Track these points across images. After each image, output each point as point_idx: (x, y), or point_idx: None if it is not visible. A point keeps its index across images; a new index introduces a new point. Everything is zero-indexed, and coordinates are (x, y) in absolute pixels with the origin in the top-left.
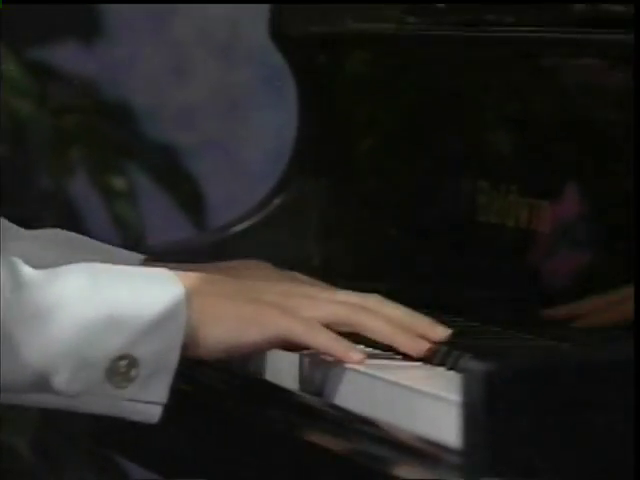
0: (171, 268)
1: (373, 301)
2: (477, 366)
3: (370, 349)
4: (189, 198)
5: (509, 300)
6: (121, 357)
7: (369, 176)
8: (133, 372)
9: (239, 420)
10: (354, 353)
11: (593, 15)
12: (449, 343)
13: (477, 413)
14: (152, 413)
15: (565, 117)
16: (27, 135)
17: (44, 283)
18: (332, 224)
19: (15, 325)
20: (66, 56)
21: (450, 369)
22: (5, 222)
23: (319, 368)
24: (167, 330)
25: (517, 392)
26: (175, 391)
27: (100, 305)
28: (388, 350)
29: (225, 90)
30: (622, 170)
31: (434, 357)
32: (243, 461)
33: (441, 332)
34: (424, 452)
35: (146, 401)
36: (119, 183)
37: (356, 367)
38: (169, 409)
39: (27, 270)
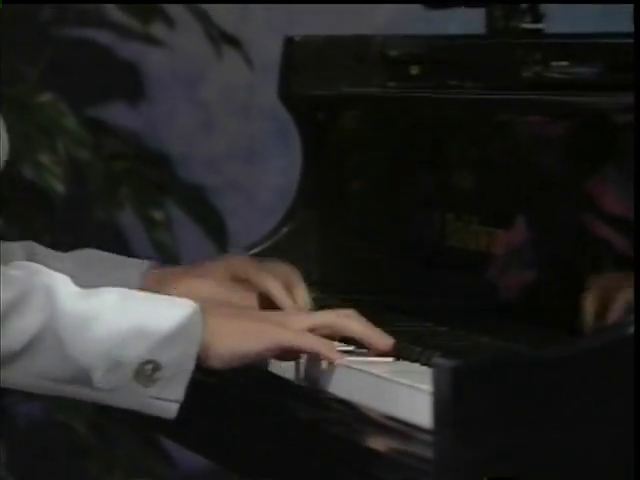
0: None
1: (348, 312)
2: (445, 362)
3: (362, 350)
4: (214, 228)
5: (470, 309)
6: (147, 362)
7: (358, 210)
8: (157, 374)
9: (254, 405)
10: (334, 352)
11: (539, 80)
12: (423, 344)
13: (445, 400)
14: (171, 410)
15: (516, 162)
16: (84, 177)
17: (86, 298)
18: (328, 248)
19: (64, 330)
20: (116, 113)
21: (423, 365)
22: (48, 250)
23: (317, 365)
24: (186, 341)
25: (478, 383)
26: (207, 383)
27: (131, 318)
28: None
29: (244, 141)
30: (562, 206)
31: (410, 355)
32: (260, 437)
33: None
34: (402, 432)
35: (166, 399)
36: (159, 215)
37: (347, 363)
38: (206, 397)
39: (74, 287)
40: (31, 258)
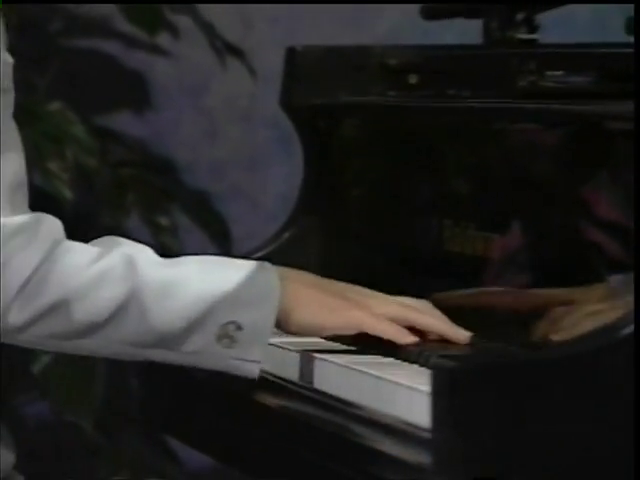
0: None
1: (422, 304)
2: (443, 364)
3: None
4: (218, 233)
5: (467, 311)
6: (229, 322)
7: (358, 215)
8: (238, 336)
9: (256, 404)
10: (408, 337)
11: (534, 89)
12: (421, 346)
13: (443, 401)
14: (253, 370)
15: (511, 169)
16: (92, 184)
17: (168, 266)
18: (329, 253)
19: (147, 298)
20: (123, 121)
21: (422, 366)
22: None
23: (319, 366)
24: (265, 303)
25: (475, 384)
26: (214, 385)
27: (212, 282)
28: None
29: (247, 148)
30: (556, 211)
31: (409, 357)
32: (261, 436)
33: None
34: (401, 431)
35: (247, 359)
36: (164, 221)
37: (350, 365)
38: (211, 397)
39: (154, 256)
40: None
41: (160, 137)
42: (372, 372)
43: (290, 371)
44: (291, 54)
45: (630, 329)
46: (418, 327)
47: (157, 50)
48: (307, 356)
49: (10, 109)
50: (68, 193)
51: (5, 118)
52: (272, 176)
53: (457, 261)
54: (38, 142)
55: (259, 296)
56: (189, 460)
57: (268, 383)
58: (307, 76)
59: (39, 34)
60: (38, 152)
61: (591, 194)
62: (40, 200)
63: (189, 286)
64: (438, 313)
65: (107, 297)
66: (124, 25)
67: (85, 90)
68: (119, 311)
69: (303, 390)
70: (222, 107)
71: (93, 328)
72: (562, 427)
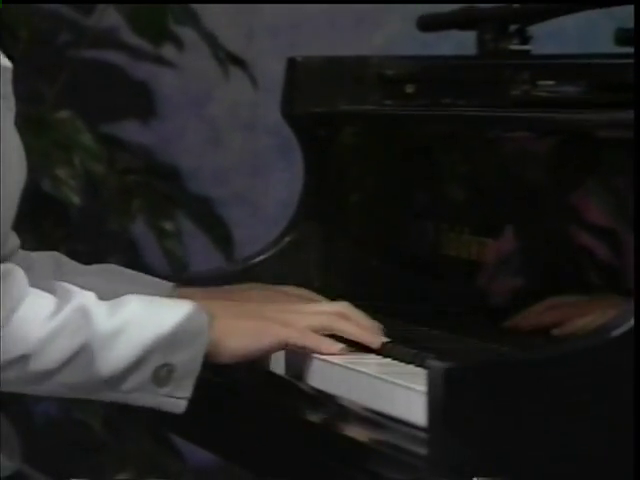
0: (198, 293)
1: (342, 307)
2: (439, 364)
3: (360, 353)
4: (221, 238)
5: (463, 313)
6: (163, 365)
7: (357, 221)
8: (172, 375)
9: (257, 403)
10: (334, 346)
11: (526, 98)
12: (418, 346)
13: (439, 400)
14: (181, 405)
15: (505, 176)
16: (99, 190)
17: (113, 314)
18: (329, 257)
19: (97, 346)
20: (129, 130)
21: (418, 366)
22: (72, 262)
23: (318, 366)
24: (195, 342)
25: (470, 384)
26: (215, 384)
27: (150, 327)
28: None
29: (249, 156)
30: (548, 217)
31: (406, 357)
32: (263, 435)
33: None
34: (398, 430)
35: (178, 397)
36: (169, 226)
37: (348, 365)
38: (215, 398)
39: (102, 304)
40: (58, 269)
41: (165, 145)
42: (369, 372)
43: (289, 371)
44: (292, 64)
45: (626, 328)
46: (338, 334)
47: (162, 61)
48: (304, 356)
49: (11, 114)
50: (76, 199)
51: (5, 124)
52: (273, 182)
53: (452, 264)
54: (47, 150)
55: (191, 338)
56: (193, 457)
57: (270, 382)
58: (307, 86)
59: (48, 46)
60: (47, 159)
61: (581, 200)
62: (48, 206)
63: (130, 333)
64: (357, 315)
65: (61, 349)
66: (130, 37)
67: (92, 100)
68: (70, 361)
69: (302, 389)
70: (225, 116)
71: (45, 377)
72: (558, 427)
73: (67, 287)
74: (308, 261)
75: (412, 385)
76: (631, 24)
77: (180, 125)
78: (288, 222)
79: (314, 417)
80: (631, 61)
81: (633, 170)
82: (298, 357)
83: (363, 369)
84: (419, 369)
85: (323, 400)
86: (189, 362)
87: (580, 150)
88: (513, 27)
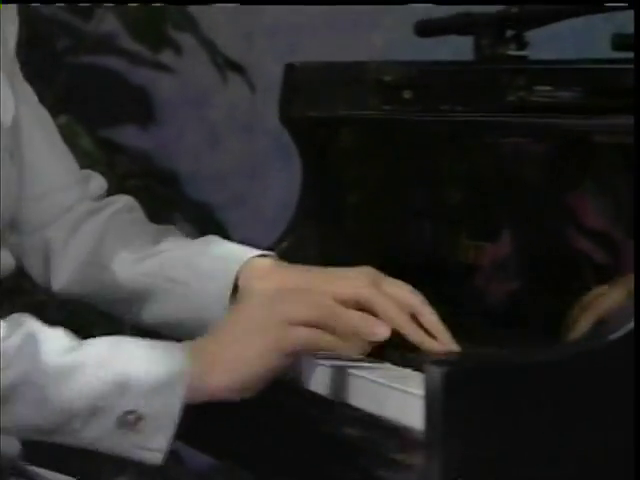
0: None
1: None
2: (436, 368)
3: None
4: None
5: (460, 316)
6: (129, 412)
7: (354, 223)
8: (140, 424)
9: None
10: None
11: (523, 103)
12: (415, 350)
13: (436, 404)
14: (154, 458)
15: (501, 180)
16: None
17: (71, 351)
18: (327, 258)
19: (44, 381)
20: (128, 134)
21: (416, 370)
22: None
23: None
24: (168, 393)
25: (467, 388)
26: None
27: (112, 370)
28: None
29: (247, 159)
30: (544, 220)
31: (404, 361)
32: (263, 438)
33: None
34: (396, 433)
35: (149, 448)
36: None
37: (345, 368)
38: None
39: (61, 340)
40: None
41: (164, 149)
42: (367, 375)
43: (289, 375)
44: (290, 69)
45: (626, 331)
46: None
47: (160, 66)
48: (304, 359)
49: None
50: None
51: None
52: (271, 185)
53: (449, 267)
54: None
55: (162, 386)
56: (192, 461)
57: (269, 384)
58: (305, 90)
59: (47, 51)
60: None
61: (579, 205)
62: None
63: (86, 372)
64: (381, 279)
65: (2, 378)
66: (129, 43)
67: (91, 104)
68: (12, 394)
69: (300, 392)
70: (223, 120)
71: None
72: (557, 430)
73: (24, 316)
74: (306, 263)
75: (409, 389)
76: (628, 29)
77: (178, 129)
78: (287, 224)
79: (312, 420)
80: (628, 66)
81: (633, 173)
82: (296, 360)
83: (360, 373)
84: (416, 373)
85: (321, 403)
86: (162, 412)
87: (577, 155)
88: (510, 32)
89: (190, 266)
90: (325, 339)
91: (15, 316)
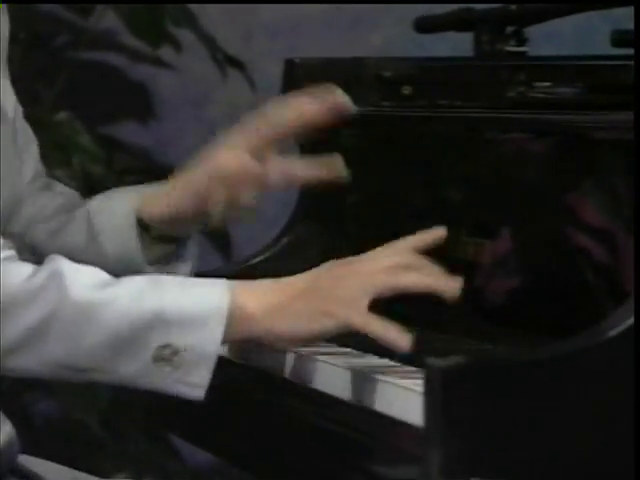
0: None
1: (404, 255)
2: (436, 365)
3: (359, 352)
4: (219, 238)
5: (459, 314)
6: (164, 346)
7: (354, 222)
8: (177, 359)
9: (256, 403)
10: (402, 339)
11: (523, 100)
12: (415, 347)
13: (436, 400)
14: (195, 394)
15: (501, 177)
16: (98, 191)
17: (103, 287)
18: (326, 258)
19: (73, 316)
20: (127, 131)
21: (417, 366)
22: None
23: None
24: (207, 326)
25: (467, 384)
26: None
27: (144, 303)
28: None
29: None
30: (543, 217)
31: (405, 358)
32: (263, 435)
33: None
34: (396, 429)
35: (189, 383)
36: None
37: (346, 365)
38: (213, 398)
39: (93, 277)
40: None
41: (163, 146)
42: (367, 372)
43: (288, 371)
44: (289, 66)
45: (625, 327)
46: (406, 291)
47: (160, 63)
48: (304, 357)
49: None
50: None
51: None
52: None
53: (450, 265)
54: (45, 151)
55: (197, 318)
56: (192, 457)
57: (269, 382)
58: (305, 87)
59: (47, 47)
60: (46, 160)
61: (578, 201)
62: None
63: (116, 307)
64: (420, 261)
65: (30, 315)
66: (129, 39)
67: (91, 101)
68: (43, 330)
69: (301, 390)
70: (223, 117)
71: (19, 346)
72: (556, 427)
73: (54, 256)
74: (305, 262)
75: (410, 385)
76: (627, 25)
77: (178, 126)
78: (286, 222)
79: (312, 417)
80: (627, 62)
81: (633, 171)
82: (296, 357)
83: (361, 369)
84: (416, 369)
85: (321, 400)
86: (199, 345)
87: (576, 151)
88: (510, 29)
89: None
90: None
91: (48, 258)
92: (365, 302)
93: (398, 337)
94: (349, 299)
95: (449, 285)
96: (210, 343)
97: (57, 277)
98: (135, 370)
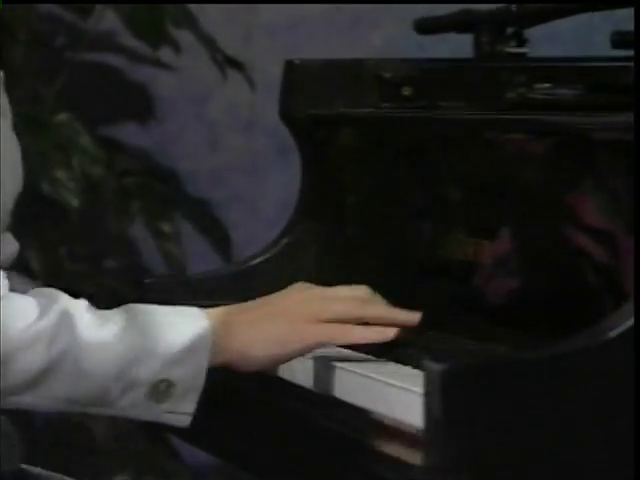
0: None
1: (364, 291)
2: (435, 365)
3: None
4: (219, 239)
5: (459, 314)
6: (161, 380)
7: (354, 222)
8: (171, 391)
9: (258, 405)
10: (384, 333)
11: (523, 101)
12: (415, 347)
13: (435, 401)
14: (183, 421)
15: (501, 178)
16: (98, 192)
17: (102, 324)
18: (326, 258)
19: (80, 357)
20: (127, 132)
21: (415, 367)
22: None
23: (317, 368)
24: (196, 357)
25: (466, 385)
26: (217, 386)
27: (140, 342)
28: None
29: (247, 157)
30: (543, 218)
31: (403, 358)
32: (263, 437)
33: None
34: (397, 430)
35: (180, 412)
36: (167, 228)
37: (346, 367)
38: (213, 398)
39: (90, 313)
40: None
41: (163, 147)
42: (366, 373)
43: (288, 373)
44: (289, 67)
45: (625, 328)
46: (368, 320)
47: (160, 63)
48: (302, 358)
49: (5, 122)
50: (74, 201)
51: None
52: (271, 184)
53: (449, 265)
54: (46, 152)
55: (190, 350)
56: (192, 459)
57: (269, 383)
58: (305, 88)
59: (47, 48)
60: (46, 161)
61: (578, 202)
62: (48, 208)
63: (117, 346)
64: (379, 298)
65: (40, 357)
66: (128, 40)
67: (91, 102)
68: (51, 371)
69: (299, 390)
70: (223, 117)
71: (26, 387)
72: (556, 427)
73: (55, 293)
74: (305, 262)
75: (409, 386)
76: (627, 27)
77: (178, 127)
78: (286, 223)
79: (312, 418)
80: (627, 64)
81: (634, 171)
82: (294, 359)
83: (360, 370)
84: (416, 370)
85: (321, 401)
86: (191, 378)
87: (576, 152)
88: (510, 30)
89: None
90: (352, 331)
91: (43, 291)
92: (329, 317)
93: (378, 334)
94: (316, 315)
95: (411, 316)
96: (200, 373)
97: (67, 319)
98: (130, 403)
